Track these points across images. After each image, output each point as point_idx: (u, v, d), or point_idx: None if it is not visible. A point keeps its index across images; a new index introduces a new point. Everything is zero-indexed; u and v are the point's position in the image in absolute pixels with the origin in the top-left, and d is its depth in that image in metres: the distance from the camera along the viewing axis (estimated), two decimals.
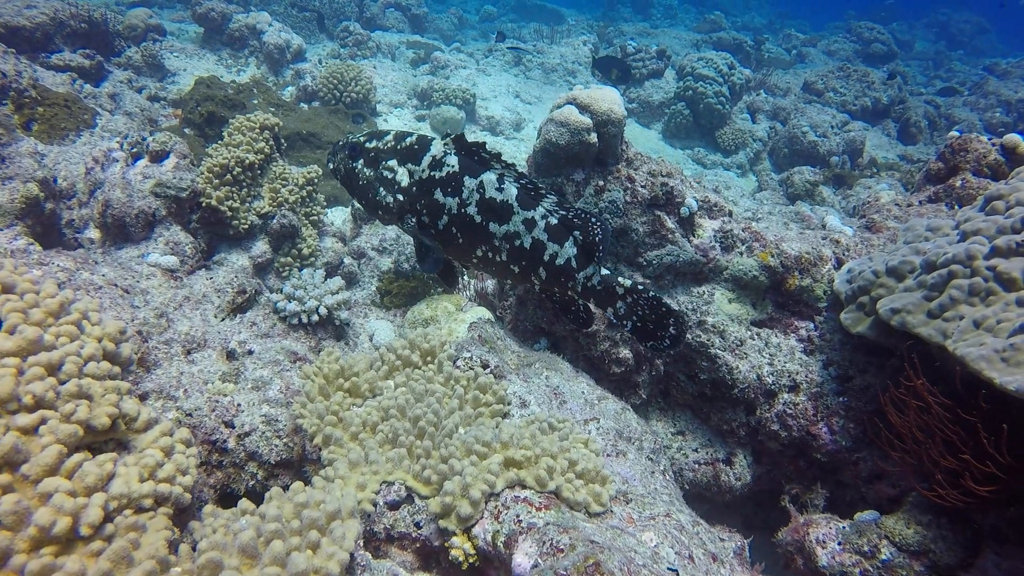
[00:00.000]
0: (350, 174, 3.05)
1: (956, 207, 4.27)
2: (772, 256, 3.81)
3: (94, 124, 6.76)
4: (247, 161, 4.52)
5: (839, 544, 3.06)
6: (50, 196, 5.27)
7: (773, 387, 3.73)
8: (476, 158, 2.93)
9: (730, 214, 4.00)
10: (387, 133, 3.05)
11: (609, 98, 3.62)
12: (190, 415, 2.54)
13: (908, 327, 3.08)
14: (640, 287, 3.02)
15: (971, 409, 2.76)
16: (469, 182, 2.89)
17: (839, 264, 3.91)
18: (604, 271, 3.02)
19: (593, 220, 3.00)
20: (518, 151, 10.05)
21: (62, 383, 1.99)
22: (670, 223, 3.80)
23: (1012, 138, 4.40)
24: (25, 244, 4.94)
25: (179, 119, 7.54)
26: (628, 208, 3.74)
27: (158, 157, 4.49)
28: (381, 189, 2.97)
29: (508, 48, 14.39)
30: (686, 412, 4.04)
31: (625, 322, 3.09)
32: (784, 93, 12.90)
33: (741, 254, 3.86)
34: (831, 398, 3.62)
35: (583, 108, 3.61)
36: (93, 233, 4.51)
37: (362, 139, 3.04)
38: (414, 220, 2.98)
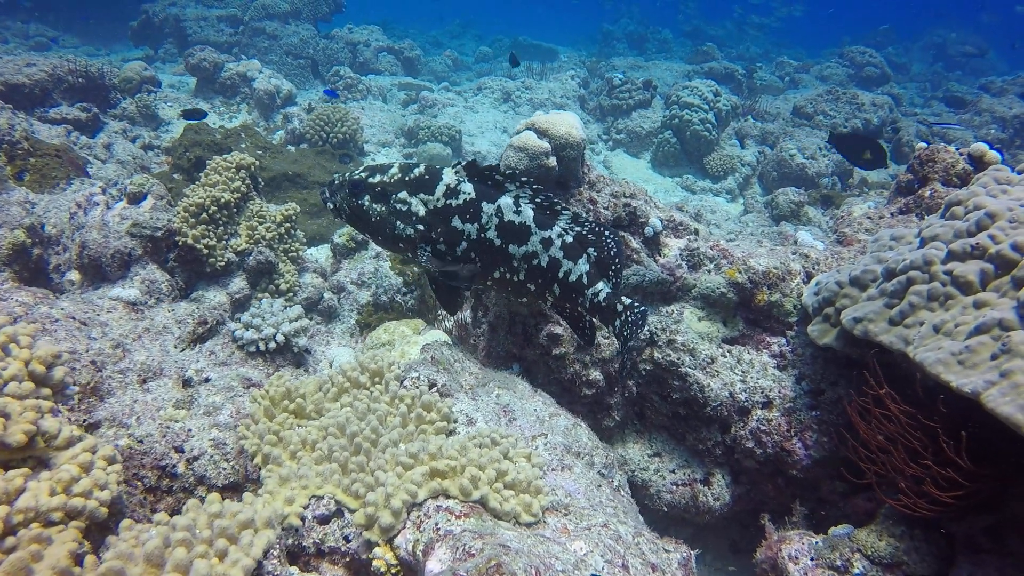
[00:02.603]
0: (358, 212, 3.00)
1: (926, 217, 4.27)
2: (740, 272, 3.81)
3: (86, 172, 6.92)
4: (223, 200, 4.60)
5: (812, 560, 2.99)
6: (37, 242, 5.38)
7: (746, 404, 3.69)
8: (490, 182, 2.98)
9: (696, 232, 4.01)
10: (389, 167, 3.04)
11: (567, 122, 3.67)
12: (141, 441, 2.55)
13: (871, 335, 3.06)
14: (636, 305, 3.09)
15: (932, 415, 2.72)
16: (487, 207, 2.95)
17: (809, 278, 3.90)
18: (608, 289, 3.10)
19: (607, 235, 3.10)
20: None
21: None
22: (635, 243, 3.82)
23: (978, 147, 4.42)
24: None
25: (170, 165, 7.71)
26: None
27: (136, 199, 4.58)
28: (398, 223, 2.96)
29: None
30: (662, 433, 4.00)
31: (620, 339, 3.15)
32: (773, 118, 13.01)
33: (709, 272, 3.87)
34: (804, 412, 3.58)
35: (541, 133, 3.67)
36: (73, 275, 4.58)
37: (363, 175, 3.00)
38: (429, 249, 2.99)
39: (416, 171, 3.00)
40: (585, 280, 3.07)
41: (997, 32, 28.67)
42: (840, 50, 22.11)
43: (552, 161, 3.64)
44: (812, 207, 8.10)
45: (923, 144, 4.47)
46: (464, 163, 3.00)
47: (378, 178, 2.99)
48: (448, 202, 2.95)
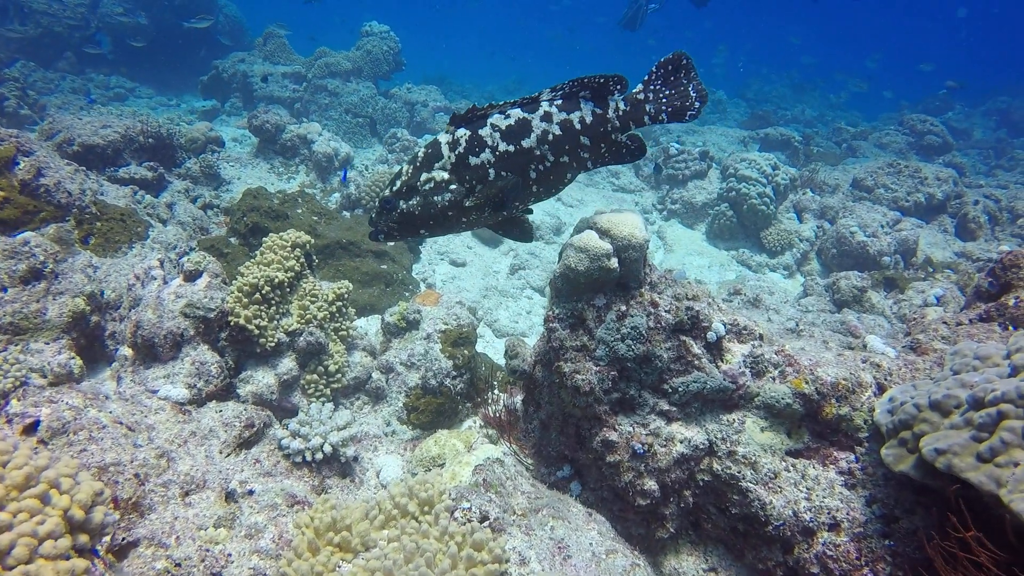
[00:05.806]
0: (402, 220, 3.22)
1: (1011, 328, 4.00)
2: (807, 383, 3.60)
3: (146, 236, 7.09)
4: (276, 280, 4.61)
5: None
6: (96, 309, 5.48)
7: (811, 525, 3.45)
8: (474, 118, 3.18)
9: (761, 337, 3.83)
10: (399, 170, 3.27)
11: (630, 222, 3.57)
12: (179, 565, 2.44)
13: (955, 471, 2.82)
14: (647, 77, 3.37)
15: None
16: (483, 131, 3.15)
17: (881, 390, 3.67)
18: (620, 96, 3.31)
19: (583, 80, 3.27)
20: (557, 256, 10.10)
21: (9, 569, 1.86)
22: (696, 348, 3.66)
23: None
24: (67, 359, 5.09)
25: (227, 228, 7.87)
26: (651, 334, 3.62)
27: (192, 277, 4.63)
28: (436, 198, 3.17)
29: None
30: (719, 547, 3.76)
31: (661, 116, 3.38)
32: (832, 190, 12.72)
33: (773, 379, 3.67)
34: (876, 540, 3.31)
35: (603, 233, 3.58)
36: (126, 351, 4.62)
37: (385, 193, 3.23)
38: (471, 198, 3.18)
39: (420, 154, 3.21)
40: (599, 110, 3.26)
41: None
42: (900, 116, 21.77)
43: (613, 263, 3.53)
44: (875, 291, 7.77)
45: (1006, 248, 4.23)
46: (448, 119, 3.22)
47: (398, 183, 3.21)
48: (456, 152, 3.15)
